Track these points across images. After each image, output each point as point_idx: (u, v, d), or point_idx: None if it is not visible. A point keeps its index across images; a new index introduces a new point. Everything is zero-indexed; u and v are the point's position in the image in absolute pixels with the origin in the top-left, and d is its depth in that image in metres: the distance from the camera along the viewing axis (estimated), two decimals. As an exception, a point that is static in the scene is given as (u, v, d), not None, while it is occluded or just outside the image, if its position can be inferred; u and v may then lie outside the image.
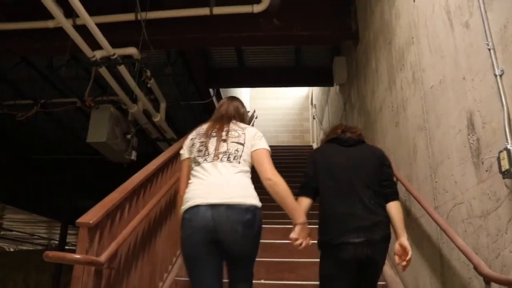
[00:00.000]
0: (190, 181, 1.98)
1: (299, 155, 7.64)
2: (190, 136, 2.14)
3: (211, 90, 7.06)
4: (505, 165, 1.53)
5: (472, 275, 1.87)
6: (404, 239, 1.99)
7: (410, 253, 1.96)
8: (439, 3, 2.28)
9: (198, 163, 1.98)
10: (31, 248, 17.43)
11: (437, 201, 2.31)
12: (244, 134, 2.04)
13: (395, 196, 2.10)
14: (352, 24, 4.68)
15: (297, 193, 2.12)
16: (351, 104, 5.01)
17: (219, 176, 1.91)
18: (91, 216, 1.92)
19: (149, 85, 5.43)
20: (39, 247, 17.44)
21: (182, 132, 6.82)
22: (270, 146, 2.07)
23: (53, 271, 10.03)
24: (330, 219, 2.07)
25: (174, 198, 3.16)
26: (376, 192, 2.07)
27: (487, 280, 1.71)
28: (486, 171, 1.78)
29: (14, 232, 15.06)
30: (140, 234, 2.47)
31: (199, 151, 2.01)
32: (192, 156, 2.03)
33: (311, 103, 11.40)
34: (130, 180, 2.42)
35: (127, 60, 4.70)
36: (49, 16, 4.00)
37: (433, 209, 2.30)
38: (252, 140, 2.03)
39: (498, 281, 1.62)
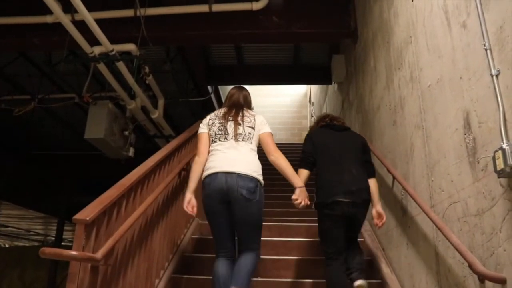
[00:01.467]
0: (210, 154, 2.55)
1: (297, 153, 7.63)
2: (208, 117, 2.70)
3: (209, 87, 7.06)
4: (500, 164, 1.54)
5: (467, 273, 1.88)
6: (379, 207, 2.69)
7: (384, 217, 2.68)
8: (437, 2, 2.29)
9: (219, 140, 2.55)
10: (27, 244, 17.41)
11: (433, 200, 2.32)
12: (255, 120, 2.62)
13: (373, 174, 2.79)
14: (351, 23, 4.68)
15: (298, 166, 2.69)
16: (349, 102, 5.02)
17: (235, 152, 2.48)
18: (88, 212, 1.92)
19: (147, 82, 5.42)
20: (35, 243, 17.42)
21: (180, 129, 6.82)
22: (268, 144, 2.58)
23: (49, 268, 10.02)
24: (325, 185, 2.65)
25: (171, 195, 3.17)
26: (360, 167, 2.71)
27: (481, 278, 1.72)
28: (482, 170, 1.79)
29: (9, 228, 15.03)
30: (137, 231, 2.47)
31: (220, 130, 2.58)
32: (212, 134, 2.59)
33: (310, 101, 11.40)
34: (127, 177, 2.41)
35: (125, 56, 4.69)
36: (47, 11, 3.99)
37: (429, 207, 2.31)
38: (260, 125, 2.61)
39: (492, 279, 1.64)
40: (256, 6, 4.51)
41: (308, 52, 6.72)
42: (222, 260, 2.44)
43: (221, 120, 2.61)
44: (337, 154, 2.72)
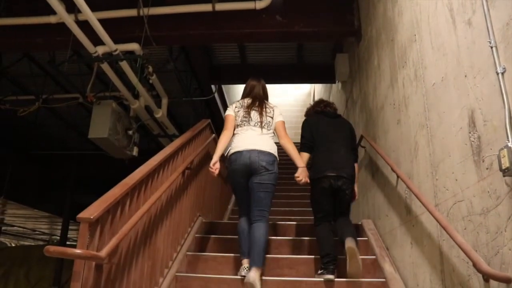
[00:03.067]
0: (236, 135, 3.10)
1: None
2: (234, 105, 3.25)
3: (213, 86, 7.06)
4: (505, 163, 1.53)
5: (471, 272, 1.87)
6: (355, 186, 3.32)
7: (357, 195, 3.41)
8: (442, 0, 2.27)
9: (243, 125, 3.11)
10: (32, 244, 17.51)
11: (438, 199, 2.31)
12: (273, 111, 3.22)
13: (356, 160, 3.41)
14: (354, 21, 4.66)
15: (300, 149, 3.25)
16: (353, 101, 5.01)
17: (256, 135, 3.06)
18: (92, 211, 1.92)
19: (151, 81, 5.44)
20: (41, 243, 17.53)
21: (184, 128, 6.84)
22: (273, 143, 3.14)
23: (54, 266, 10.07)
24: (317, 163, 3.21)
25: (175, 194, 3.18)
26: (347, 149, 3.30)
27: (486, 277, 1.71)
28: (487, 169, 1.77)
29: (15, 228, 15.13)
30: (140, 230, 2.48)
31: (245, 117, 3.14)
32: (238, 119, 3.14)
33: (313, 100, 11.38)
34: (131, 176, 2.42)
35: (129, 56, 4.71)
36: (51, 11, 4.00)
37: (434, 206, 2.30)
38: (277, 116, 3.20)
39: (497, 278, 1.63)
40: (259, 5, 4.50)
41: (311, 51, 6.71)
42: (244, 218, 3.07)
43: (246, 109, 3.17)
44: (328, 138, 3.31)
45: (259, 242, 2.84)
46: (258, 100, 3.23)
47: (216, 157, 2.99)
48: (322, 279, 2.82)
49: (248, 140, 3.02)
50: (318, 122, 3.42)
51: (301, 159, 3.10)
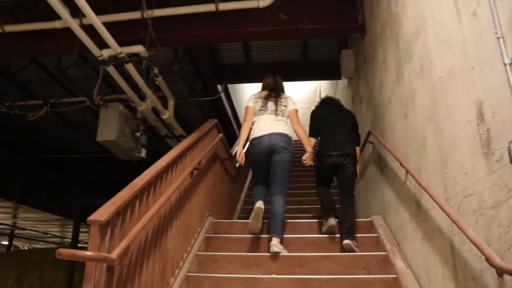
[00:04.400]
0: (255, 123, 3.60)
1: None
2: (253, 96, 3.77)
3: (219, 86, 7.07)
4: (515, 155, 1.51)
5: (484, 267, 1.85)
6: (359, 166, 3.93)
7: (358, 175, 3.88)
8: (447, -8, 2.25)
9: (261, 114, 3.60)
10: (45, 247, 17.69)
11: (448, 193, 2.29)
12: (287, 100, 3.70)
13: (358, 144, 4.01)
14: (358, 16, 4.63)
15: (308, 135, 3.81)
16: (360, 97, 4.98)
17: (273, 121, 3.55)
18: (102, 213, 1.94)
19: (157, 83, 5.45)
20: (53, 245, 17.71)
21: (191, 129, 6.85)
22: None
23: (67, 269, 10.17)
24: (324, 144, 3.79)
25: (184, 195, 3.19)
26: (349, 134, 3.83)
27: (500, 272, 1.69)
28: (497, 161, 1.76)
29: (27, 231, 15.29)
30: (151, 231, 2.50)
31: (262, 106, 3.63)
32: (256, 109, 3.65)
33: (320, 97, 11.34)
34: (140, 177, 2.43)
35: (134, 58, 4.73)
36: (56, 16, 4.04)
37: (444, 201, 2.28)
38: (290, 105, 3.68)
39: (511, 273, 1.61)
40: (263, 3, 4.50)
41: (316, 48, 6.68)
42: (261, 185, 3.55)
43: (264, 100, 3.66)
44: (332, 124, 3.87)
45: (278, 214, 3.31)
46: (273, 92, 3.73)
47: (239, 148, 3.57)
48: (327, 236, 3.45)
49: (265, 126, 3.53)
50: (323, 111, 4.06)
51: (309, 144, 3.61)
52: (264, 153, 3.47)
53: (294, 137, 3.62)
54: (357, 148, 3.92)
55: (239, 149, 3.55)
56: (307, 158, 3.54)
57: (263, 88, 3.84)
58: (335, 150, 3.67)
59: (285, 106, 3.65)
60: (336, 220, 3.55)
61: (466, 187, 2.05)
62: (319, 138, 3.90)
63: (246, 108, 3.72)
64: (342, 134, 3.76)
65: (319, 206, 3.91)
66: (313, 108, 4.23)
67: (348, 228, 3.36)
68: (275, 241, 3.20)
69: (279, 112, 3.59)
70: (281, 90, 3.83)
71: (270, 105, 3.63)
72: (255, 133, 3.54)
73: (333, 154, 3.66)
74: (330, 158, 3.68)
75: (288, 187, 3.56)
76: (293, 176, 5.07)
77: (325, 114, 3.98)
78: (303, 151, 3.59)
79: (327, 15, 4.70)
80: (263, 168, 3.52)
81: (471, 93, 1.98)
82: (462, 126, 2.09)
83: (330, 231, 3.54)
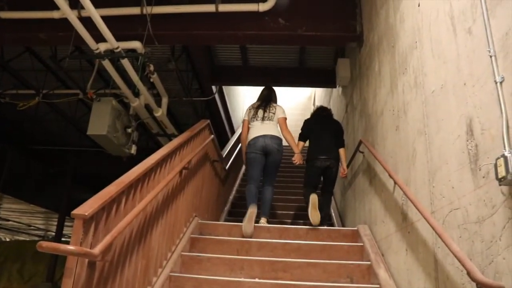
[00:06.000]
0: (250, 128, 4.30)
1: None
2: (247, 108, 4.50)
3: (213, 87, 7.06)
4: (501, 172, 1.53)
5: (465, 281, 1.87)
6: (344, 165, 4.50)
7: (346, 172, 4.51)
8: (443, 8, 2.28)
9: (254, 121, 4.30)
10: (27, 239, 17.43)
11: (434, 206, 2.31)
12: (276, 108, 4.38)
13: (343, 146, 4.57)
14: (357, 26, 4.67)
15: (298, 139, 4.59)
16: (353, 106, 5.01)
17: (264, 126, 4.24)
18: (87, 208, 1.92)
19: (151, 80, 5.43)
20: (36, 238, 17.46)
21: (183, 128, 6.83)
22: (272, 144, 4.18)
23: (48, 262, 10.03)
24: (312, 149, 4.50)
25: (171, 194, 3.17)
26: (334, 140, 4.51)
27: (480, 286, 1.70)
28: (483, 177, 1.77)
29: (10, 222, 15.07)
30: (135, 228, 2.47)
31: (253, 115, 4.34)
32: (250, 117, 4.35)
33: (314, 104, 11.39)
34: (127, 174, 2.41)
35: (130, 53, 4.70)
36: (54, 6, 4.00)
37: (430, 213, 2.30)
38: (279, 113, 4.35)
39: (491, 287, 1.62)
40: (263, 7, 4.51)
41: (313, 55, 6.71)
42: (253, 185, 4.10)
43: (255, 109, 4.38)
44: (320, 132, 4.56)
45: (267, 200, 4.17)
46: (264, 101, 4.43)
47: (244, 149, 4.36)
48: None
49: (259, 129, 4.22)
50: (313, 120, 4.78)
51: (297, 147, 4.31)
52: (260, 151, 4.13)
53: (284, 141, 4.28)
54: (342, 150, 4.52)
55: (243, 150, 4.35)
56: (296, 159, 4.19)
57: (257, 99, 4.54)
58: (323, 154, 4.38)
59: (274, 113, 4.31)
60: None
61: (452, 201, 2.07)
62: (307, 143, 4.64)
63: (242, 121, 4.47)
64: (328, 141, 4.48)
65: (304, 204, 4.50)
66: (308, 115, 4.90)
67: (323, 217, 4.16)
68: (263, 220, 4.04)
69: (266, 118, 4.27)
70: (273, 100, 4.49)
71: (260, 112, 4.32)
72: (251, 137, 4.22)
73: (321, 158, 4.37)
74: (319, 161, 4.37)
75: (277, 180, 4.39)
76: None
77: (314, 124, 4.69)
78: (292, 153, 4.29)
79: (326, 23, 4.73)
80: (258, 165, 4.13)
81: (462, 109, 2.00)
82: (451, 141, 2.11)
83: (313, 204, 4.06)
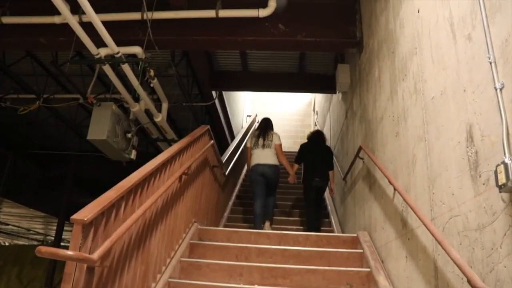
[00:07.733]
0: (252, 155, 5.14)
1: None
2: (249, 136, 5.57)
3: (213, 92, 7.07)
4: (502, 178, 1.53)
5: (466, 289, 1.85)
6: (333, 185, 5.46)
7: (334, 191, 5.58)
8: (443, 14, 2.29)
9: (255, 148, 5.14)
10: (26, 243, 17.37)
11: (434, 213, 2.30)
12: (273, 136, 5.21)
13: (332, 168, 5.44)
14: (357, 32, 4.68)
15: (293, 162, 5.48)
16: (353, 112, 5.01)
17: (264, 154, 5.08)
18: (86, 213, 1.91)
19: (152, 85, 5.43)
20: (35, 243, 17.40)
21: (183, 133, 6.83)
22: (272, 151, 4.91)
23: (47, 267, 9.99)
24: (307, 173, 5.33)
25: (171, 199, 3.17)
26: (327, 166, 5.38)
27: (481, 294, 1.70)
28: (483, 184, 1.77)
29: (10, 226, 15.02)
30: (135, 234, 2.46)
31: (255, 143, 5.18)
32: (252, 144, 5.20)
33: (314, 110, 11.40)
34: (127, 179, 2.41)
35: (131, 58, 4.71)
36: (55, 11, 4.02)
37: (430, 220, 2.29)
38: (276, 140, 5.18)
39: (491, 296, 1.61)
40: (263, 13, 4.53)
41: (313, 61, 6.73)
42: (259, 202, 4.90)
43: (256, 138, 5.22)
44: (314, 158, 5.40)
45: (270, 206, 5.09)
46: (263, 130, 5.30)
47: (249, 168, 5.26)
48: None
49: (258, 157, 5.08)
50: (308, 147, 5.59)
51: (292, 169, 5.28)
52: (260, 176, 5.02)
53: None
54: (331, 172, 5.42)
55: (249, 168, 5.27)
56: (290, 179, 5.26)
57: (257, 128, 5.49)
58: (317, 176, 5.23)
59: (271, 141, 5.16)
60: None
61: (452, 207, 2.06)
62: (303, 166, 5.53)
63: (246, 148, 5.36)
64: (319, 165, 5.34)
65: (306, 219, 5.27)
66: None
67: (316, 228, 5.01)
68: (267, 224, 4.85)
69: (266, 146, 5.11)
70: (270, 128, 5.35)
71: (260, 141, 5.16)
72: (253, 162, 5.10)
73: (316, 179, 5.22)
74: (315, 182, 5.21)
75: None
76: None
77: (309, 149, 5.54)
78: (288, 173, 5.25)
79: (326, 29, 4.74)
80: (260, 184, 5.00)
81: (462, 115, 2.00)
82: (451, 147, 2.11)
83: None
